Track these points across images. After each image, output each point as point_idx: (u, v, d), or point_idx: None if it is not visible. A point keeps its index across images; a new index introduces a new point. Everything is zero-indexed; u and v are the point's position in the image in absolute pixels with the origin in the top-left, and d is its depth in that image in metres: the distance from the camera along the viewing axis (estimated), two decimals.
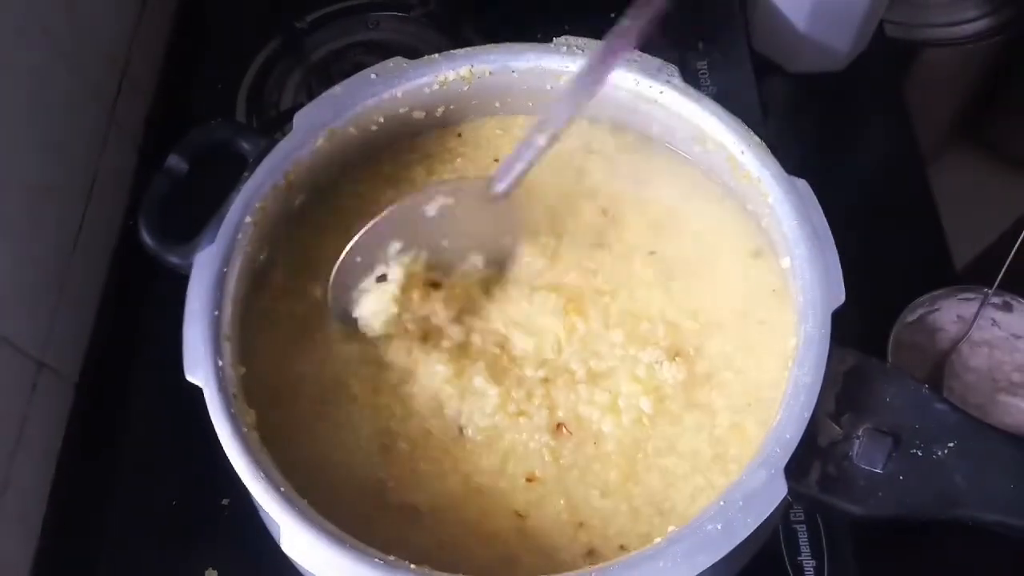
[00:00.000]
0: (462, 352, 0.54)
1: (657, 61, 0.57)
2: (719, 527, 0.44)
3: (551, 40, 0.58)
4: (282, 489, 0.46)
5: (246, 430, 0.47)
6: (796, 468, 0.46)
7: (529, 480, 0.51)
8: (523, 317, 0.55)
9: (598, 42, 0.58)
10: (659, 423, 0.52)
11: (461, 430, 0.52)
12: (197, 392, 0.48)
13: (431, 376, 0.53)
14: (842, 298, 0.49)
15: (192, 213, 0.54)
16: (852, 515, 0.47)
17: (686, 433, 0.52)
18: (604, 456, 0.51)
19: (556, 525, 0.50)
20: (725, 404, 0.52)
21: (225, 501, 0.58)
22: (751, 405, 0.51)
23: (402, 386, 0.54)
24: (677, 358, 0.53)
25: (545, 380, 0.53)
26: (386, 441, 0.52)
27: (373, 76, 0.58)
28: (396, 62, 0.58)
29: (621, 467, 0.51)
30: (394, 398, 0.53)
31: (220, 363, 0.49)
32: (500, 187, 0.53)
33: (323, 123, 0.56)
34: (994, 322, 0.64)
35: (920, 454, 0.47)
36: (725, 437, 0.51)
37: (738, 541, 0.43)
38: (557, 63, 0.58)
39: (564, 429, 0.52)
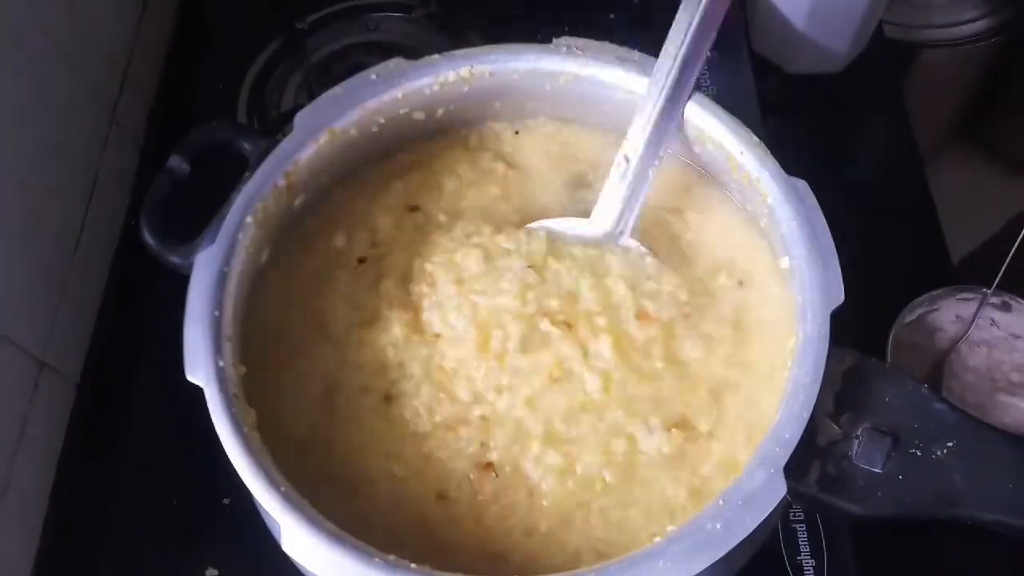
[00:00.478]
0: (416, 326, 0.54)
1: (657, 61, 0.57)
2: (718, 526, 0.44)
3: (551, 41, 0.59)
4: (282, 489, 0.46)
5: (247, 430, 0.47)
6: (795, 467, 0.46)
7: (440, 497, 0.50)
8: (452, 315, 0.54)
9: (598, 43, 0.58)
10: (618, 490, 0.50)
11: (388, 398, 0.52)
12: (198, 392, 0.48)
13: (386, 327, 0.53)
14: (841, 298, 0.49)
15: (193, 213, 0.54)
16: (851, 514, 0.47)
17: (652, 492, 0.50)
18: (536, 506, 0.50)
19: (465, 551, 0.49)
20: (713, 461, 0.50)
21: (226, 501, 0.58)
22: (751, 439, 0.50)
23: (364, 328, 0.54)
24: (674, 429, 0.51)
25: (484, 418, 0.52)
26: (330, 388, 0.53)
27: (373, 77, 0.58)
28: (396, 63, 0.58)
29: (552, 519, 0.49)
30: (353, 340, 0.54)
31: (221, 363, 0.49)
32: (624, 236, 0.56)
33: (324, 124, 0.56)
34: (993, 322, 0.64)
35: (919, 454, 0.47)
36: (705, 481, 0.50)
37: (737, 540, 0.44)
38: (557, 64, 0.58)
39: (492, 471, 0.51)
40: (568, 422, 0.51)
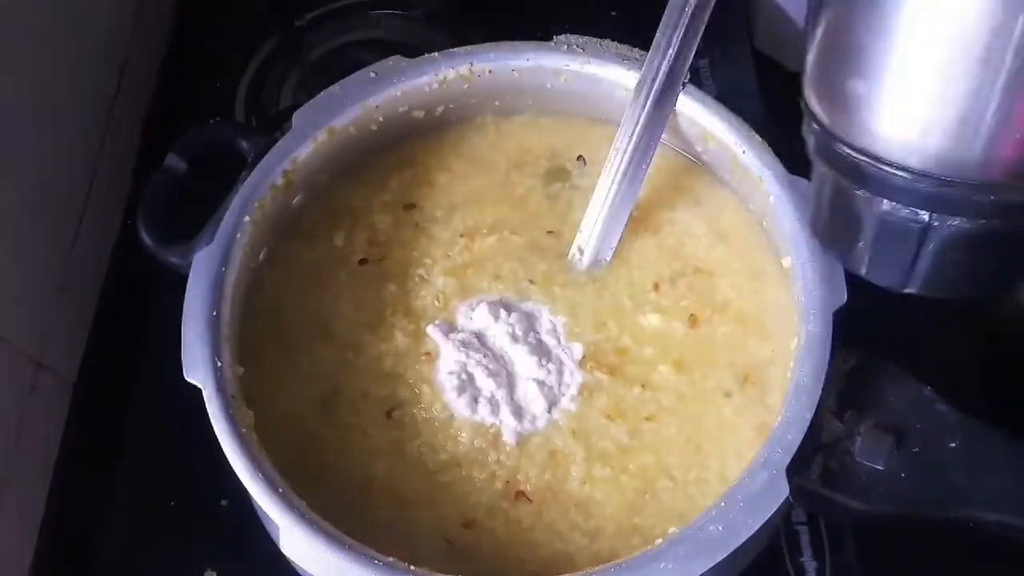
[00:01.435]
0: (418, 337, 0.54)
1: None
2: (720, 528, 0.44)
3: (551, 38, 0.58)
4: (281, 490, 0.45)
5: (245, 431, 0.47)
6: (798, 462, 0.45)
7: (467, 526, 0.48)
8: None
9: (598, 40, 0.58)
10: (684, 448, 0.50)
11: (391, 416, 0.52)
12: (196, 392, 0.48)
13: (388, 335, 0.53)
14: (844, 298, 0.49)
15: (191, 212, 0.54)
16: (853, 510, 0.47)
17: (724, 436, 0.50)
18: (595, 513, 0.48)
19: (511, 571, 0.47)
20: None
21: (224, 502, 0.57)
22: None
23: (367, 330, 0.54)
24: (739, 385, 0.51)
25: (500, 462, 0.50)
26: (330, 390, 0.52)
27: (372, 75, 0.57)
28: (395, 61, 0.58)
29: (619, 516, 0.48)
30: (355, 341, 0.53)
31: (219, 364, 0.48)
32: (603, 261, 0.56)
33: (322, 122, 0.56)
34: None
35: (921, 452, 0.47)
36: (770, 410, 0.50)
37: (739, 542, 0.43)
38: (557, 61, 0.58)
39: (526, 498, 0.49)
40: (620, 445, 0.50)
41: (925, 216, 0.40)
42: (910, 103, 0.39)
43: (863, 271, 0.45)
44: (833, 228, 0.46)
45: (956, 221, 0.40)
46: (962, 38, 0.36)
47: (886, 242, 0.43)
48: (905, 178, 0.40)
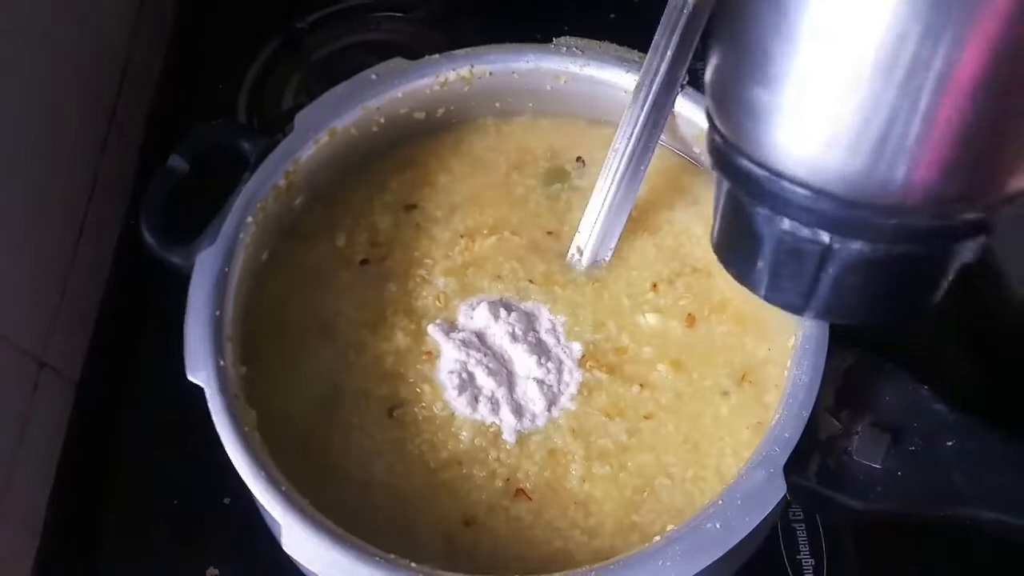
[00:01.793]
0: (419, 336, 0.54)
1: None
2: (718, 526, 0.44)
3: (551, 40, 0.59)
4: (283, 488, 0.46)
5: (247, 430, 0.47)
6: (795, 460, 0.46)
7: (468, 524, 0.49)
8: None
9: (598, 42, 0.58)
10: (681, 447, 0.50)
11: (391, 414, 0.52)
12: (198, 391, 0.48)
13: (389, 335, 0.53)
14: None
15: (193, 213, 0.54)
16: (850, 509, 0.47)
17: (722, 431, 0.51)
18: (594, 512, 0.49)
19: (511, 569, 0.47)
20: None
21: (227, 500, 0.58)
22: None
23: (368, 330, 0.54)
24: (737, 384, 0.52)
25: (500, 460, 0.50)
26: (332, 389, 0.52)
27: (374, 76, 0.58)
28: (397, 62, 0.58)
29: (617, 514, 0.49)
30: (356, 340, 0.54)
31: (222, 363, 0.49)
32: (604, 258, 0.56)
33: (324, 123, 0.57)
34: None
35: (918, 451, 0.47)
36: (767, 408, 0.50)
37: (737, 540, 0.44)
38: (557, 63, 0.58)
39: (527, 496, 0.50)
40: (619, 443, 0.51)
41: (826, 238, 0.38)
42: (813, 115, 0.36)
43: (762, 293, 0.43)
44: (732, 246, 0.44)
45: (858, 244, 0.37)
46: (873, 50, 0.32)
47: (785, 263, 0.40)
48: (806, 196, 0.37)
